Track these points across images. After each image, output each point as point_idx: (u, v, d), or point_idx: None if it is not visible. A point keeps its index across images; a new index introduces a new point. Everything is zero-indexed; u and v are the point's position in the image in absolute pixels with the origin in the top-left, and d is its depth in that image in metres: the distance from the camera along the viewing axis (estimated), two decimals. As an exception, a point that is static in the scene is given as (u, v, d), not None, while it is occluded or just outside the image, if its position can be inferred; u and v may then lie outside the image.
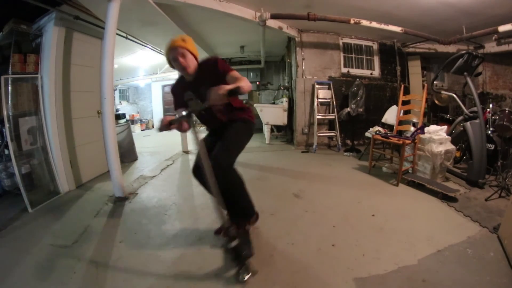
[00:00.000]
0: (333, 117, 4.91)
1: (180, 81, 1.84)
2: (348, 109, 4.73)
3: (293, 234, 1.99)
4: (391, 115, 4.20)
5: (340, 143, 4.92)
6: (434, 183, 2.79)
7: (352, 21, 3.80)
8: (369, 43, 5.33)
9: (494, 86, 5.50)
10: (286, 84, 6.51)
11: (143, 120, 10.12)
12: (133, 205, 2.61)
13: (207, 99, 1.35)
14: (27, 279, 1.57)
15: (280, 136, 6.53)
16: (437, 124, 3.77)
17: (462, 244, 1.79)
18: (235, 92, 1.31)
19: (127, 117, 9.07)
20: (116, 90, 9.64)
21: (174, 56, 1.63)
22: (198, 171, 1.71)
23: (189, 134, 1.53)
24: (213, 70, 1.60)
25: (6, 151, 2.70)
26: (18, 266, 1.68)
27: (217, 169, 1.44)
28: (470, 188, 2.84)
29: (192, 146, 5.36)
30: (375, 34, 4.99)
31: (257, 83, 8.24)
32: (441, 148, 2.94)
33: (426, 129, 3.14)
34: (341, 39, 5.15)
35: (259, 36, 4.70)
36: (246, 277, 1.45)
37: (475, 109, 3.11)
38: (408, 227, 2.04)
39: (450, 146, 3.02)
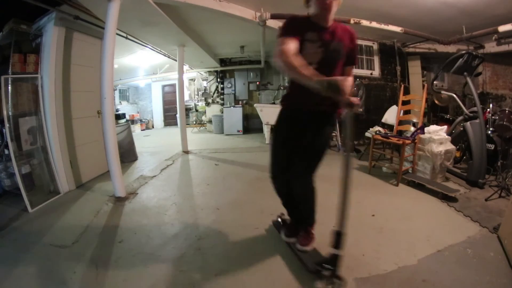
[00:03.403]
0: (333, 117, 4.90)
1: (305, 20, 1.50)
2: (348, 109, 4.72)
3: (293, 234, 1.99)
4: (391, 115, 4.20)
5: (340, 143, 4.92)
6: (434, 183, 2.79)
7: (352, 21, 3.79)
8: (369, 43, 5.32)
9: (494, 86, 5.49)
10: (286, 84, 6.50)
11: (143, 120, 10.11)
12: (133, 205, 2.61)
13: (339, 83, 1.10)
14: (27, 279, 1.57)
15: (280, 136, 6.52)
16: (437, 124, 3.76)
17: (462, 244, 1.79)
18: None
19: (127, 117, 9.06)
20: (116, 90, 9.63)
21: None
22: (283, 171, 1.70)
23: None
24: (351, 39, 1.51)
25: (6, 151, 2.70)
26: (18, 266, 1.68)
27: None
28: (470, 188, 2.84)
29: (193, 146, 5.37)
30: (375, 34, 4.99)
31: (257, 83, 8.23)
32: (441, 148, 2.94)
33: (426, 129, 3.14)
34: (341, 39, 5.14)
35: (259, 36, 4.69)
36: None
37: (475, 109, 3.11)
38: (408, 227, 2.04)
39: (450, 146, 3.02)
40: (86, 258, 1.75)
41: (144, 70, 8.90)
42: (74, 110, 3.17)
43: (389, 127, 4.11)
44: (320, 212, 2.37)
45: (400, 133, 3.60)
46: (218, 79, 8.45)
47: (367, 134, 4.07)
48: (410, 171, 3.17)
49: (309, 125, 1.53)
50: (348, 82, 1.14)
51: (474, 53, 3.12)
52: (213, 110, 8.45)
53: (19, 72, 2.70)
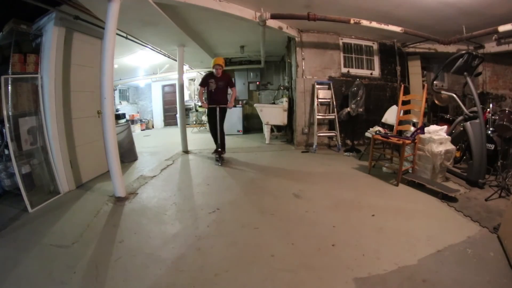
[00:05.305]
0: (333, 117, 4.91)
1: (209, 75, 4.17)
2: (348, 109, 4.73)
3: (293, 234, 1.99)
4: (391, 115, 4.20)
5: (340, 143, 4.92)
6: (434, 183, 2.79)
7: (352, 21, 3.79)
8: (369, 43, 5.32)
9: (494, 86, 5.49)
10: (286, 84, 6.50)
11: (143, 120, 10.12)
12: (133, 205, 2.61)
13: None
14: (27, 279, 1.57)
15: (280, 136, 6.52)
16: (437, 124, 3.77)
17: (462, 244, 1.79)
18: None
19: (127, 117, 9.07)
20: (116, 90, 9.64)
21: (216, 68, 3.98)
22: (214, 130, 4.12)
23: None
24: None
25: (6, 151, 2.70)
26: (18, 266, 1.68)
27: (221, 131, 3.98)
28: (470, 188, 2.84)
29: (193, 146, 5.38)
30: (375, 34, 4.99)
31: (257, 83, 8.23)
32: (441, 148, 2.94)
33: (426, 129, 3.14)
34: (341, 39, 5.15)
35: (259, 36, 4.70)
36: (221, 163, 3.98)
37: (475, 109, 3.11)
38: (408, 227, 2.04)
39: (450, 146, 3.02)
40: (86, 258, 1.75)
41: (144, 70, 8.91)
42: (74, 110, 3.17)
43: (389, 127, 4.11)
44: (322, 211, 2.38)
45: (400, 133, 3.60)
46: (218, 79, 8.44)
47: (367, 134, 4.07)
48: (410, 171, 3.17)
49: None
50: None
51: (474, 53, 3.12)
52: (213, 110, 8.44)
53: (19, 72, 2.70)
